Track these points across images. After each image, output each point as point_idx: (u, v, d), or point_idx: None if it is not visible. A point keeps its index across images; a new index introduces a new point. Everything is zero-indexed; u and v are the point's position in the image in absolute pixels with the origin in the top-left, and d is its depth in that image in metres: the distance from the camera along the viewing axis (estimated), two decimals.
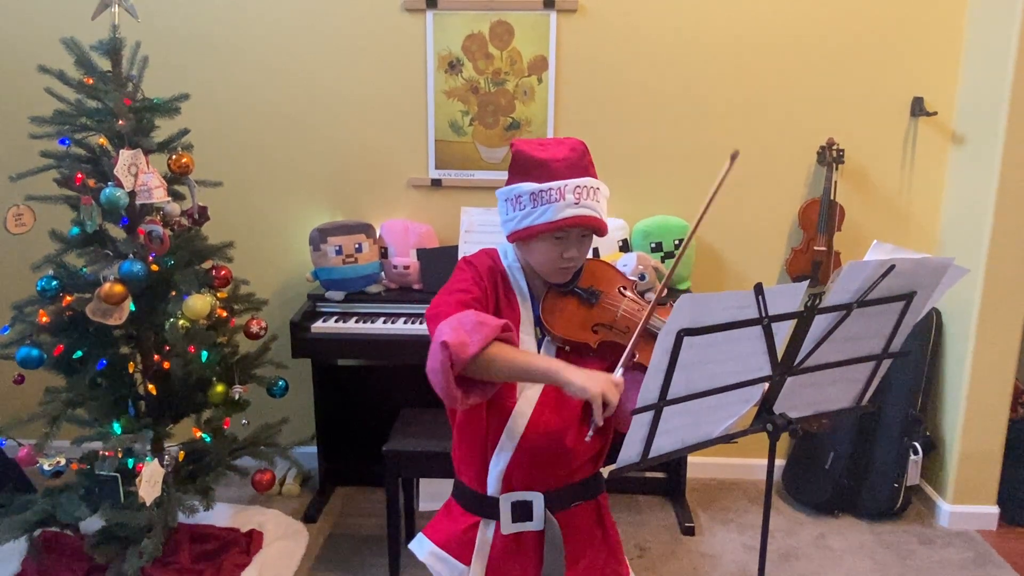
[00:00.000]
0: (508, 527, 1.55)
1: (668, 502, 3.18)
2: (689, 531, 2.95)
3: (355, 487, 3.26)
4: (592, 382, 1.33)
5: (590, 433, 1.38)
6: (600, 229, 1.50)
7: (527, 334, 1.53)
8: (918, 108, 3.01)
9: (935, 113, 3.00)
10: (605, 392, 1.32)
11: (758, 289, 1.23)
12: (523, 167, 1.50)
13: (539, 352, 1.52)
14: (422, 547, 1.62)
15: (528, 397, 1.51)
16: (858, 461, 3.09)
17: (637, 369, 1.42)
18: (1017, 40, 2.67)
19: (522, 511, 1.54)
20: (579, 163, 1.49)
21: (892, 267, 1.31)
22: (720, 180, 1.39)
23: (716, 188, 1.39)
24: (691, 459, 3.17)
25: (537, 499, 1.54)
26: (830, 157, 2.99)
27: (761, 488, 3.21)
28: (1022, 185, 2.77)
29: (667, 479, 3.20)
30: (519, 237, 1.51)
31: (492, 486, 1.55)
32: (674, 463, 3.14)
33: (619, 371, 1.39)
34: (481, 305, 1.49)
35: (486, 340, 1.36)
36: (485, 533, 1.57)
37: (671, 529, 2.98)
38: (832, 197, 3.01)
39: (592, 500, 1.62)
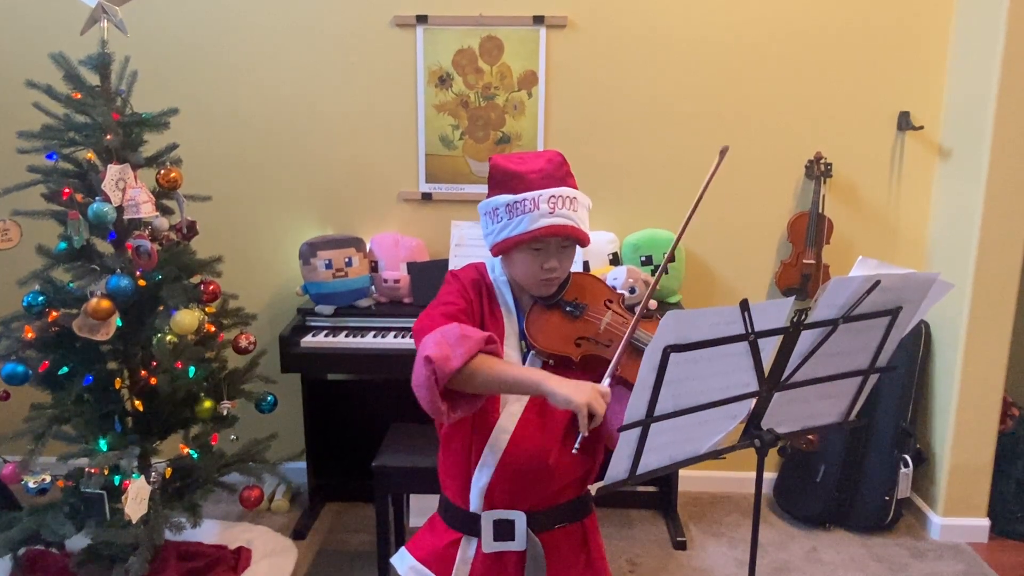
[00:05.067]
0: (489, 545, 1.53)
1: (660, 516, 3.17)
2: (681, 545, 2.93)
3: (345, 503, 3.23)
4: (577, 392, 1.32)
5: (576, 445, 1.37)
6: (580, 239, 1.50)
7: (512, 348, 1.53)
8: (905, 122, 3.04)
9: (921, 127, 3.03)
10: (591, 402, 1.31)
11: (744, 305, 1.23)
12: (500, 180, 1.51)
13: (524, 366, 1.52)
14: (403, 561, 1.61)
15: (511, 412, 1.50)
16: (849, 474, 3.08)
17: (623, 385, 1.42)
18: (1001, 55, 2.70)
19: (504, 530, 1.53)
20: (555, 174, 1.49)
21: (877, 283, 1.31)
22: (711, 174, 1.41)
23: (707, 182, 1.40)
24: (682, 473, 3.16)
25: (520, 518, 1.53)
26: (818, 171, 3.01)
27: (753, 501, 3.20)
28: (1008, 198, 2.79)
29: (658, 493, 3.20)
30: (500, 249, 1.51)
31: (474, 502, 1.54)
32: (665, 477, 3.13)
33: (606, 380, 1.38)
34: (467, 316, 1.49)
35: (469, 353, 1.36)
36: (467, 550, 1.56)
37: (662, 543, 2.97)
38: (820, 210, 3.03)
39: (577, 522, 1.61)
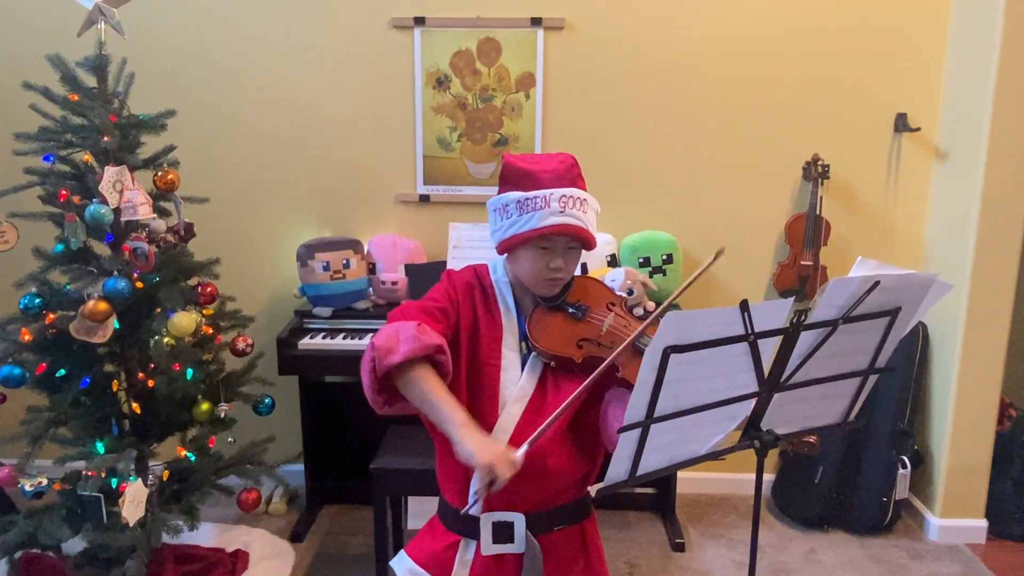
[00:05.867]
0: (488, 548, 1.53)
1: (658, 518, 3.16)
2: (679, 547, 2.93)
3: (343, 505, 3.23)
4: (483, 452, 1.30)
5: (469, 506, 1.37)
6: (587, 240, 1.51)
7: (510, 349, 1.52)
8: (901, 124, 3.05)
9: (918, 129, 3.03)
10: (494, 464, 1.29)
11: (744, 306, 1.23)
12: (511, 178, 1.52)
13: (524, 368, 1.52)
14: (401, 564, 1.61)
15: (510, 414, 1.50)
16: (847, 476, 3.09)
17: (623, 386, 1.42)
18: (997, 56, 2.71)
19: (503, 532, 1.52)
20: (567, 175, 1.50)
21: (877, 283, 1.31)
22: (702, 270, 1.40)
23: (696, 275, 1.39)
24: (681, 474, 3.16)
25: (519, 520, 1.52)
26: (815, 172, 3.02)
27: (752, 503, 3.20)
28: (1005, 199, 2.80)
29: (657, 495, 3.19)
30: (506, 246, 1.52)
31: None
32: (664, 479, 3.13)
33: (524, 448, 1.36)
34: (444, 316, 1.49)
35: (412, 353, 1.36)
36: (465, 553, 1.55)
37: (661, 545, 2.97)
38: (818, 212, 3.03)
39: (576, 524, 1.60)
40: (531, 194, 1.47)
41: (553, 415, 1.38)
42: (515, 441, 1.49)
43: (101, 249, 2.37)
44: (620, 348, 1.40)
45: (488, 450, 1.31)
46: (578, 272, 1.63)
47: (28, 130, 2.29)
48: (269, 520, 3.12)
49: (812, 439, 1.52)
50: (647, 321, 1.43)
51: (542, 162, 1.51)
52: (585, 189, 1.53)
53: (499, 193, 1.53)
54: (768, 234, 3.18)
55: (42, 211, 2.32)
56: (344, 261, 2.94)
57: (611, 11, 3.02)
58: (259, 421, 2.77)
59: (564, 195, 1.47)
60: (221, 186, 3.10)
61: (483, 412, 1.49)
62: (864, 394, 1.53)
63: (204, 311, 2.54)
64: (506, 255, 1.56)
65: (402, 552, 1.63)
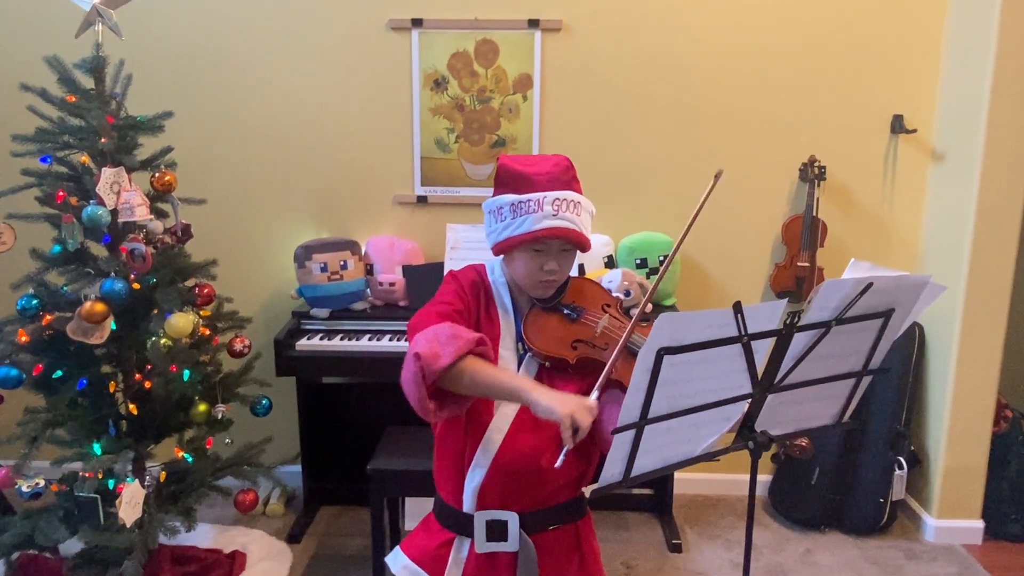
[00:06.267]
0: (482, 546, 1.53)
1: (655, 519, 3.17)
2: (676, 548, 2.94)
3: (340, 506, 3.23)
4: (560, 404, 1.31)
5: (560, 458, 1.34)
6: (581, 243, 1.51)
7: (507, 349, 1.53)
8: (898, 125, 3.05)
9: (915, 130, 3.04)
10: (574, 414, 1.30)
11: (737, 307, 1.23)
12: (506, 180, 1.52)
13: (520, 368, 1.52)
14: (396, 561, 1.62)
15: (504, 414, 1.51)
16: (844, 476, 3.09)
17: (617, 387, 1.42)
18: (993, 58, 2.71)
19: (497, 530, 1.53)
20: (561, 177, 1.51)
21: (870, 285, 1.32)
22: (704, 197, 1.42)
23: (700, 206, 1.42)
24: (677, 475, 3.16)
25: (512, 519, 1.52)
26: (812, 174, 3.02)
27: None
28: (1001, 200, 2.80)
29: (654, 496, 3.20)
30: (501, 249, 1.52)
31: (468, 502, 1.54)
32: (660, 479, 3.13)
33: (595, 394, 1.37)
34: (462, 318, 1.50)
35: (458, 353, 1.37)
36: (460, 551, 1.56)
37: (658, 546, 2.97)
38: (814, 213, 3.04)
39: (571, 524, 1.61)
40: (525, 197, 1.48)
41: (609, 362, 1.39)
42: (509, 442, 1.50)
43: (98, 250, 2.38)
44: (617, 349, 1.41)
45: (566, 402, 1.32)
46: (575, 273, 1.63)
47: (25, 131, 2.29)
48: (266, 521, 3.12)
49: (804, 442, 1.53)
50: (646, 297, 1.44)
51: (537, 164, 1.51)
52: (580, 191, 1.53)
53: (494, 195, 1.54)
54: (765, 235, 3.19)
55: (39, 212, 2.32)
56: (342, 262, 2.94)
57: (608, 13, 3.03)
58: (256, 422, 2.77)
59: (557, 198, 1.48)
60: (218, 187, 3.11)
61: (479, 411, 1.50)
62: (858, 395, 1.53)
63: (201, 312, 2.55)
64: (502, 256, 1.57)
65: (397, 548, 1.64)
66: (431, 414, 1.39)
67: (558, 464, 1.34)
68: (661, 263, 3.03)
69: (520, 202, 1.48)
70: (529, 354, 1.52)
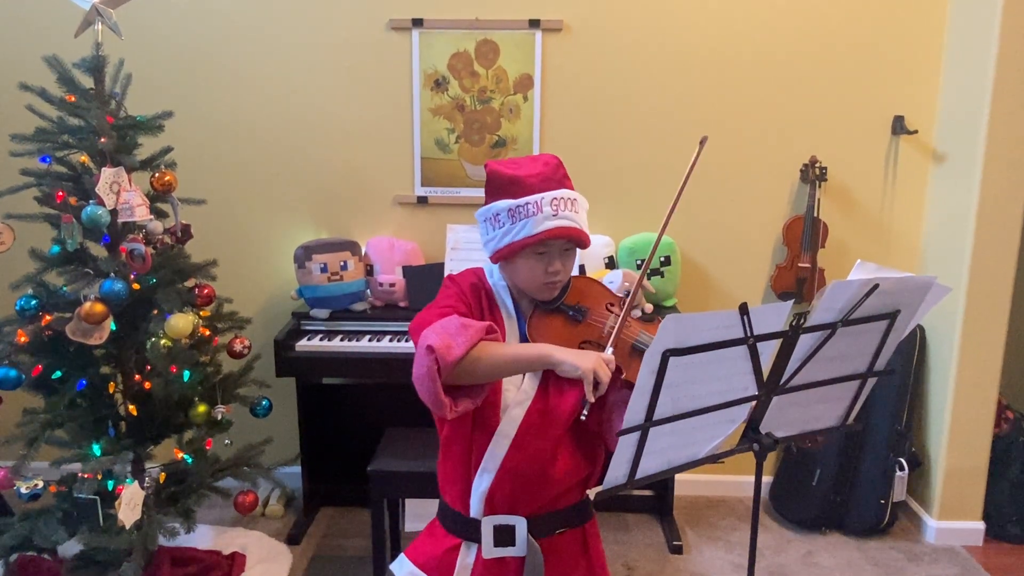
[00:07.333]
0: (490, 551, 1.52)
1: (656, 520, 3.16)
2: (677, 549, 2.93)
3: (340, 508, 3.22)
4: (582, 359, 1.34)
5: (584, 412, 1.38)
6: (582, 241, 1.50)
7: None
8: (899, 126, 3.05)
9: (916, 131, 3.04)
10: (596, 369, 1.33)
11: (743, 309, 1.23)
12: (498, 186, 1.50)
13: (526, 374, 1.51)
14: (402, 567, 1.60)
15: (512, 417, 1.50)
16: (845, 478, 3.09)
17: (624, 387, 1.42)
18: (995, 59, 2.71)
19: (505, 535, 1.52)
20: (553, 176, 1.49)
21: (876, 286, 1.31)
22: (692, 164, 1.46)
23: (688, 173, 1.45)
24: (679, 477, 3.16)
25: (520, 523, 1.52)
26: (813, 175, 3.02)
27: (749, 505, 3.21)
28: (1002, 201, 2.80)
29: (655, 497, 3.19)
30: (501, 256, 1.50)
31: (475, 507, 1.53)
32: (662, 481, 3.12)
33: (609, 349, 1.40)
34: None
35: (471, 342, 1.36)
36: (466, 556, 1.55)
37: (659, 548, 2.97)
38: (816, 214, 3.04)
39: (578, 527, 1.60)
40: (522, 200, 1.45)
41: (619, 323, 1.42)
42: (517, 445, 1.49)
43: (98, 251, 2.37)
44: (617, 328, 1.43)
45: (586, 358, 1.35)
46: (576, 273, 1.62)
47: (25, 131, 2.28)
48: (266, 522, 3.11)
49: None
50: (635, 286, 1.48)
51: (527, 166, 1.49)
52: (572, 187, 1.52)
53: (487, 202, 1.51)
54: (766, 236, 3.18)
55: (38, 212, 2.31)
56: (342, 263, 2.93)
57: (609, 13, 3.02)
58: (256, 423, 2.76)
59: (555, 197, 1.46)
60: (218, 187, 3.10)
61: (485, 416, 1.49)
62: (863, 397, 1.53)
63: (201, 313, 2.54)
64: (501, 263, 1.55)
65: (402, 555, 1.62)
66: (447, 409, 1.36)
67: (583, 416, 1.38)
68: (662, 264, 3.02)
69: (517, 206, 1.46)
70: None
